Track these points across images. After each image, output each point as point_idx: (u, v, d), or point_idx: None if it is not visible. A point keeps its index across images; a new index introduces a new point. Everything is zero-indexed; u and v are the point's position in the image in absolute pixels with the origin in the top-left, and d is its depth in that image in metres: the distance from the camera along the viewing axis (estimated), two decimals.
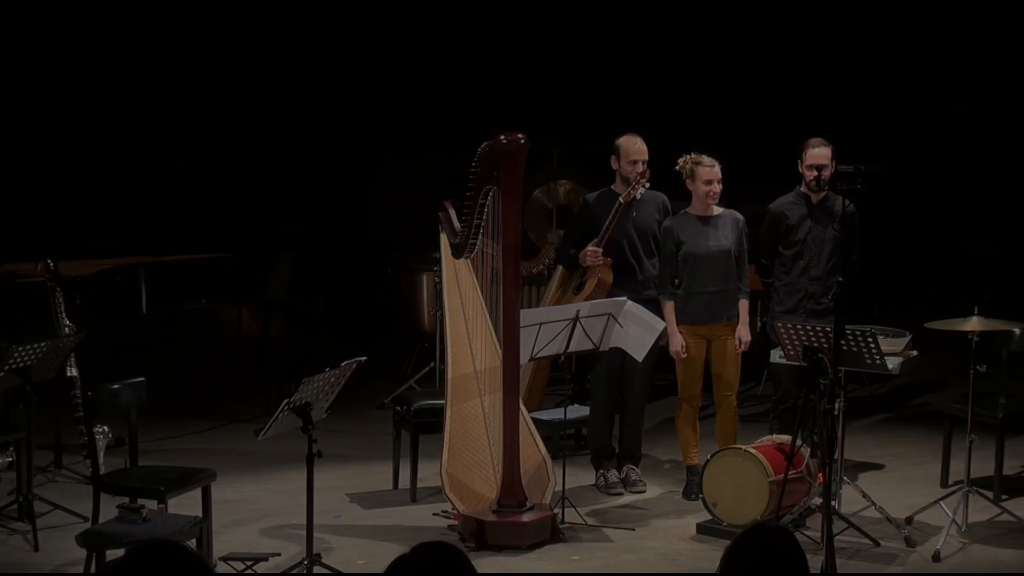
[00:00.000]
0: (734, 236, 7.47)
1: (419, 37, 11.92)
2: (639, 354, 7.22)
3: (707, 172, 7.39)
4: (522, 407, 7.01)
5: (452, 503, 6.96)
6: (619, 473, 7.85)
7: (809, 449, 6.90)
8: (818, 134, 7.61)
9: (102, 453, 7.15)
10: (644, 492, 7.69)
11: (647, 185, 7.63)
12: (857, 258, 7.42)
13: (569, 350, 7.03)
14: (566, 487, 7.14)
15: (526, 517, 6.81)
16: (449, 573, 3.31)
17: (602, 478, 7.79)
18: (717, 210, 7.50)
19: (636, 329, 7.14)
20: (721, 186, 7.45)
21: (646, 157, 7.65)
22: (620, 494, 7.68)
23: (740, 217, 7.54)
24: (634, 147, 7.64)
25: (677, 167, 7.44)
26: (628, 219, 7.72)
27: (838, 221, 7.24)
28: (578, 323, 6.89)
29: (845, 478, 7.04)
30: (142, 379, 6.74)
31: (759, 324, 9.60)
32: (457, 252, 7.12)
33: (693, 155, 7.42)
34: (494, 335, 7.10)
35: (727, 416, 7.59)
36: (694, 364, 7.49)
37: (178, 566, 3.26)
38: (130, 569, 3.30)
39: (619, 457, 7.90)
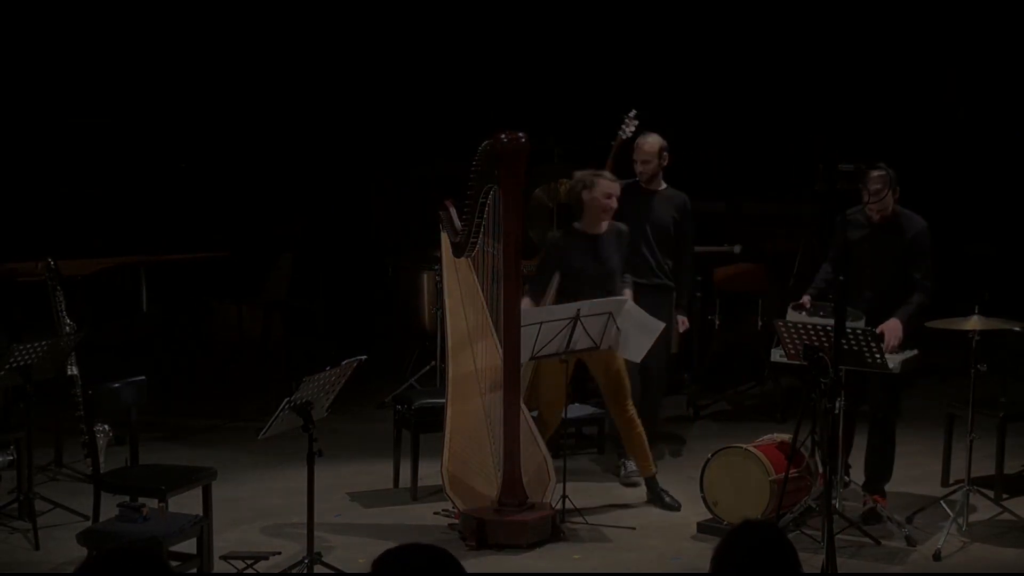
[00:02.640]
0: (620, 253, 7.41)
1: (419, 37, 11.92)
2: (636, 356, 7.24)
3: (609, 185, 7.31)
4: (522, 406, 7.01)
5: (453, 502, 6.95)
6: (622, 459, 7.98)
7: (810, 448, 6.90)
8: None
9: (102, 452, 7.15)
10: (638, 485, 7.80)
11: (632, 131, 8.01)
12: (920, 275, 7.18)
13: (569, 349, 7.03)
14: (567, 486, 7.14)
15: (527, 516, 6.81)
16: (437, 572, 3.27)
17: (623, 467, 7.86)
18: (603, 226, 7.42)
19: (634, 331, 7.15)
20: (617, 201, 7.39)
21: (648, 157, 7.92)
22: (637, 483, 7.72)
23: (623, 228, 7.46)
24: (640, 147, 7.97)
25: (569, 183, 7.30)
26: (647, 212, 7.93)
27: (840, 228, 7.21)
28: (578, 322, 6.89)
29: (846, 477, 7.04)
30: (142, 378, 6.74)
31: (759, 324, 9.63)
32: (458, 251, 7.11)
33: (590, 171, 7.36)
34: (495, 334, 7.10)
35: (631, 428, 7.40)
36: (559, 381, 7.30)
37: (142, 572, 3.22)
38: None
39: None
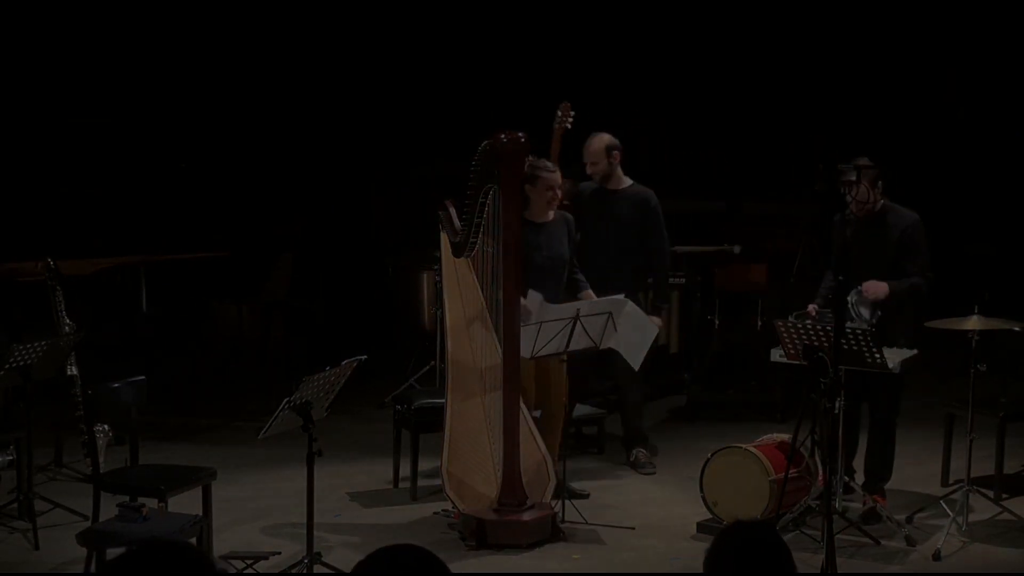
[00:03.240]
0: (567, 240, 7.41)
1: (419, 37, 11.92)
2: (635, 360, 7.23)
3: (549, 178, 7.25)
4: (522, 405, 7.01)
5: (452, 502, 6.95)
6: (628, 457, 7.98)
7: (810, 448, 6.90)
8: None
9: (102, 452, 7.15)
10: (654, 474, 7.92)
11: (570, 122, 7.83)
12: (915, 269, 7.16)
13: (569, 348, 7.02)
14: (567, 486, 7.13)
15: (526, 516, 6.81)
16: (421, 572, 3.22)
17: (634, 455, 8.07)
18: (550, 215, 7.39)
19: (632, 334, 7.15)
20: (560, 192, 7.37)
21: (595, 159, 7.96)
22: (652, 472, 7.88)
23: (570, 216, 7.49)
24: (587, 149, 8.01)
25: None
26: (605, 212, 7.93)
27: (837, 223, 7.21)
28: (578, 322, 6.89)
29: (847, 478, 7.03)
30: (142, 378, 6.73)
31: (759, 324, 9.63)
32: (457, 251, 7.11)
33: (531, 158, 7.23)
34: (494, 334, 7.09)
35: (556, 422, 7.30)
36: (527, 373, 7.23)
37: (183, 567, 3.21)
38: (133, 567, 3.25)
39: (626, 441, 8.04)
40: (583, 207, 8.03)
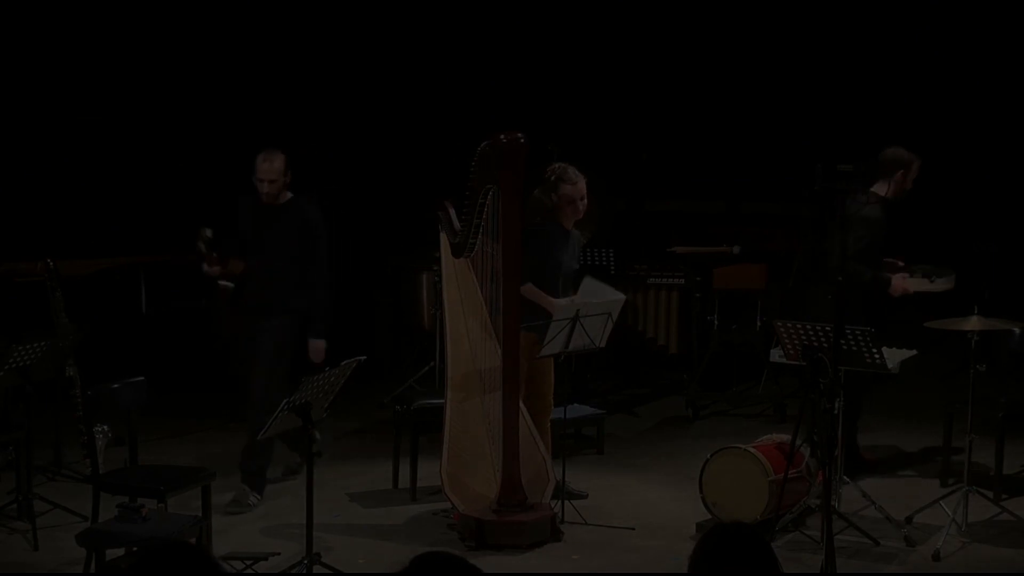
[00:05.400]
0: (578, 255, 7.45)
1: (420, 38, 11.92)
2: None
3: (573, 190, 7.21)
4: (521, 406, 7.01)
5: (452, 503, 6.95)
6: None
7: (809, 448, 6.91)
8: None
9: (102, 452, 7.15)
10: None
11: None
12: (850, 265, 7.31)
13: (569, 349, 7.02)
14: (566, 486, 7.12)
15: (526, 516, 6.82)
16: None
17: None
18: (570, 224, 7.38)
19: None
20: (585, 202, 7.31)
21: (269, 177, 7.64)
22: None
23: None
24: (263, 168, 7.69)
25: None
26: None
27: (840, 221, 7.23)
28: (578, 322, 6.89)
29: (845, 477, 7.04)
30: (142, 379, 6.73)
31: (759, 324, 9.63)
32: (457, 251, 7.11)
33: (558, 168, 7.26)
34: (494, 334, 7.09)
35: (544, 419, 7.27)
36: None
37: (190, 568, 3.21)
38: (144, 570, 3.24)
39: None
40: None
